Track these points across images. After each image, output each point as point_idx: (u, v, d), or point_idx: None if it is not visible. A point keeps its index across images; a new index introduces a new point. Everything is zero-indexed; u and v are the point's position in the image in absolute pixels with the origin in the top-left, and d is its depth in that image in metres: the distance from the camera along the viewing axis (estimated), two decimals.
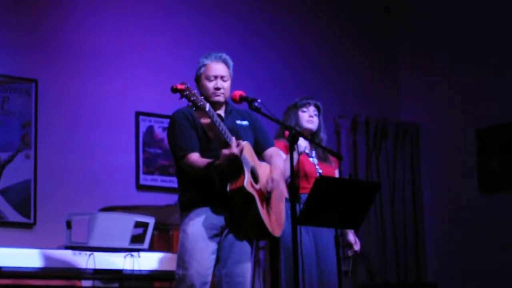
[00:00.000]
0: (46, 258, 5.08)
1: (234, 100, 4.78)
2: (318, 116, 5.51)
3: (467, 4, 8.59)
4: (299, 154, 5.13)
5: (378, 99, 8.90)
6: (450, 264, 8.44)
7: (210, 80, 4.72)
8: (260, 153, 4.87)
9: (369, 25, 9.02)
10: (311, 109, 5.48)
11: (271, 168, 4.76)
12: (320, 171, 5.36)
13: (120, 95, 7.26)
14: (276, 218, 4.75)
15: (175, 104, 7.64)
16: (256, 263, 7.62)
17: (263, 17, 8.34)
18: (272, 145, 4.94)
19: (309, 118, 5.45)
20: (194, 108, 4.33)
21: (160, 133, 7.44)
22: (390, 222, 8.54)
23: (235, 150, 4.40)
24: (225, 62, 4.79)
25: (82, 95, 7.07)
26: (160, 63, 7.58)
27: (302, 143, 5.16)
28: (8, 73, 6.84)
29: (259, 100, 4.68)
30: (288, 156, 5.06)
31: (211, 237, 4.61)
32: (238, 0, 8.22)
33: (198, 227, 4.59)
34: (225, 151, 4.42)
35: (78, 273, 5.25)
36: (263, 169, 4.73)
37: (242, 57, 7.98)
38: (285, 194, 4.89)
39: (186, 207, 4.68)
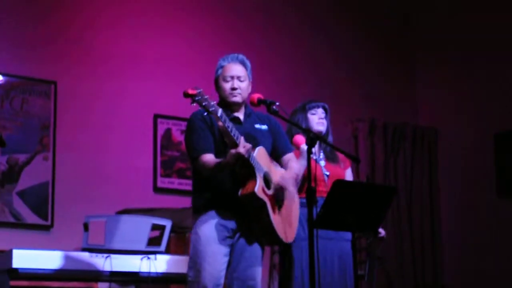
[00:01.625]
0: (63, 260, 5.08)
1: (252, 102, 4.77)
2: (326, 118, 5.47)
3: (482, 11, 8.56)
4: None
5: (396, 103, 8.88)
6: (467, 267, 8.41)
7: (227, 81, 4.73)
8: (278, 158, 4.86)
9: (387, 31, 9.01)
10: (320, 111, 5.45)
11: (286, 171, 4.75)
12: (327, 173, 5.32)
13: (138, 98, 7.26)
14: (288, 224, 4.74)
15: (193, 107, 7.65)
16: (272, 267, 7.61)
17: (280, 25, 8.35)
18: (290, 150, 4.92)
19: (319, 120, 5.41)
20: (206, 113, 4.36)
21: (178, 135, 7.43)
22: (407, 226, 8.53)
23: (241, 149, 4.37)
24: (242, 62, 4.79)
25: (101, 98, 7.08)
26: (178, 67, 7.58)
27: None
28: (28, 75, 6.85)
29: (277, 103, 4.67)
30: (300, 159, 5.09)
31: (223, 240, 4.59)
32: (256, 7, 8.20)
33: (210, 229, 4.58)
34: (232, 150, 4.41)
35: (95, 275, 5.25)
36: (278, 175, 4.70)
37: (260, 61, 8.01)
38: (296, 196, 4.86)
39: (199, 209, 4.67)
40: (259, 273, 4.72)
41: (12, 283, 5.00)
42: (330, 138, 5.46)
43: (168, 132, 7.43)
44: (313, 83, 8.26)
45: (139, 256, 5.55)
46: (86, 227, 5.28)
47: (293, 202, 4.81)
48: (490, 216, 8.30)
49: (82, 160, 6.88)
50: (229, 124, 4.41)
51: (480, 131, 8.44)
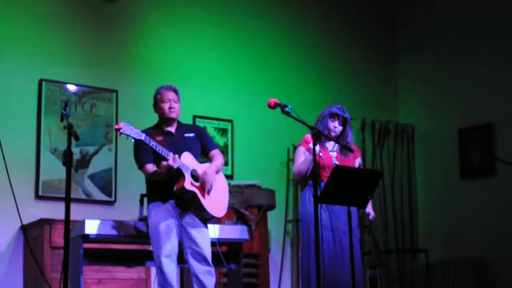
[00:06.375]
0: (124, 227, 5.09)
1: (269, 106, 4.78)
2: (344, 125, 5.44)
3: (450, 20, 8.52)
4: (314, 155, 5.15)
5: (382, 106, 8.83)
6: (437, 234, 8.38)
7: (165, 102, 5.04)
8: (206, 155, 5.12)
9: (375, 50, 8.95)
10: (337, 121, 5.43)
11: (208, 165, 4.99)
12: (337, 162, 5.33)
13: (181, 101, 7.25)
14: (217, 203, 4.95)
15: (226, 109, 7.67)
16: (285, 233, 7.61)
17: (289, 34, 8.31)
18: (214, 148, 5.16)
19: (333, 128, 5.41)
20: (133, 140, 4.70)
21: (211, 132, 7.42)
22: (390, 201, 8.51)
23: (170, 162, 4.68)
24: (174, 90, 5.09)
25: (152, 101, 7.06)
26: (213, 74, 7.58)
27: (316, 147, 5.15)
28: (96, 85, 6.87)
29: (289, 106, 4.67)
30: (306, 156, 5.23)
31: (171, 220, 4.86)
32: (275, 23, 8.18)
33: (160, 213, 4.88)
34: (164, 163, 4.73)
35: (148, 239, 5.23)
36: (203, 169, 4.93)
37: (276, 68, 8.00)
38: (224, 183, 5.10)
39: (151, 199, 4.97)
40: (207, 242, 4.90)
41: (85, 245, 5.01)
42: (348, 139, 5.43)
43: (204, 129, 7.42)
44: (319, 90, 8.23)
45: None
46: (141, 202, 5.29)
47: (219, 186, 5.01)
48: (455, 193, 8.27)
49: None
50: (154, 144, 4.72)
51: (448, 127, 8.41)
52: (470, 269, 7.78)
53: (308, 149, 5.31)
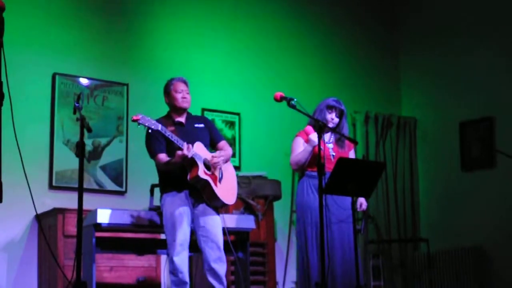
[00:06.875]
0: (134, 217, 5.11)
1: (275, 99, 4.79)
2: (340, 117, 5.46)
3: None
4: (313, 146, 5.19)
5: (385, 99, 8.83)
6: (438, 224, 8.39)
7: (179, 92, 5.08)
8: (214, 146, 5.13)
9: (379, 45, 8.95)
10: (334, 113, 5.45)
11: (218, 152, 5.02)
12: (333, 153, 5.34)
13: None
14: (228, 191, 4.98)
15: (233, 102, 7.68)
16: (291, 223, 7.63)
17: (294, 32, 8.32)
18: (221, 139, 5.19)
19: (330, 119, 5.43)
20: (150, 130, 4.75)
21: (219, 124, 7.44)
22: (393, 192, 8.51)
23: (185, 152, 4.68)
24: (186, 82, 5.14)
25: (161, 95, 7.07)
26: (221, 69, 7.59)
27: (315, 138, 5.19)
28: (108, 79, 6.89)
29: (295, 99, 4.69)
30: (306, 146, 5.27)
31: (185, 209, 4.87)
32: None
33: (174, 203, 4.89)
34: (178, 152, 4.73)
35: (158, 228, 5.27)
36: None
37: (282, 63, 8.01)
38: (233, 172, 5.14)
39: (164, 189, 4.98)
40: (219, 229, 4.94)
41: (97, 234, 5.04)
42: (344, 131, 5.45)
43: (212, 121, 7.43)
44: (326, 83, 8.24)
45: None
46: (151, 192, 5.31)
47: (229, 174, 5.07)
48: (455, 185, 8.27)
49: None
50: (170, 134, 4.74)
51: (449, 120, 8.40)
52: (470, 258, 7.79)
53: (306, 141, 5.33)
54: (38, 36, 6.59)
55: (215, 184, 4.87)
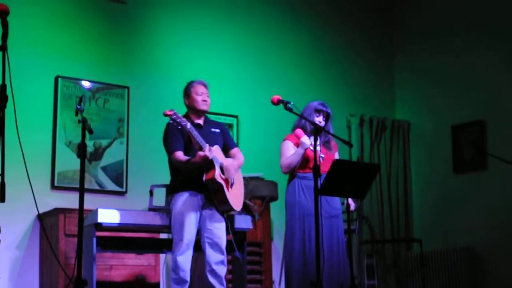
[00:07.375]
0: (134, 217, 5.10)
1: (272, 102, 4.79)
2: (326, 120, 5.45)
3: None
4: (305, 149, 5.19)
5: (379, 103, 8.83)
6: (431, 225, 8.39)
7: (199, 94, 5.03)
8: (227, 152, 5.09)
9: (374, 48, 8.95)
10: (322, 116, 5.45)
11: (233, 160, 4.98)
12: (323, 155, 5.33)
13: None
14: (236, 197, 4.95)
15: (231, 105, 7.67)
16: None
17: (294, 36, 8.30)
18: (234, 146, 5.16)
19: (318, 122, 5.41)
20: (179, 126, 4.65)
21: None
22: (387, 194, 8.50)
23: (207, 153, 4.64)
24: (206, 85, 5.10)
25: (161, 98, 7.09)
26: (219, 73, 7.57)
27: (307, 141, 5.18)
28: (109, 82, 6.87)
29: (292, 103, 4.70)
30: (297, 149, 5.27)
31: (194, 211, 4.86)
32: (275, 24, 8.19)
33: (184, 203, 4.85)
34: (200, 153, 4.66)
35: (157, 228, 5.26)
36: (229, 163, 4.94)
37: (278, 67, 8.01)
38: (242, 179, 5.11)
39: (175, 189, 4.92)
40: (224, 233, 4.93)
41: (97, 233, 5.03)
42: (331, 130, 5.45)
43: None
44: (318, 87, 8.23)
45: None
46: (151, 193, 5.29)
47: (239, 182, 5.03)
48: (448, 187, 8.27)
49: (148, 144, 6.88)
50: (196, 134, 4.66)
51: (442, 124, 8.40)
52: (462, 259, 7.79)
53: (296, 144, 5.32)
54: (41, 39, 6.58)
55: (227, 189, 4.86)
